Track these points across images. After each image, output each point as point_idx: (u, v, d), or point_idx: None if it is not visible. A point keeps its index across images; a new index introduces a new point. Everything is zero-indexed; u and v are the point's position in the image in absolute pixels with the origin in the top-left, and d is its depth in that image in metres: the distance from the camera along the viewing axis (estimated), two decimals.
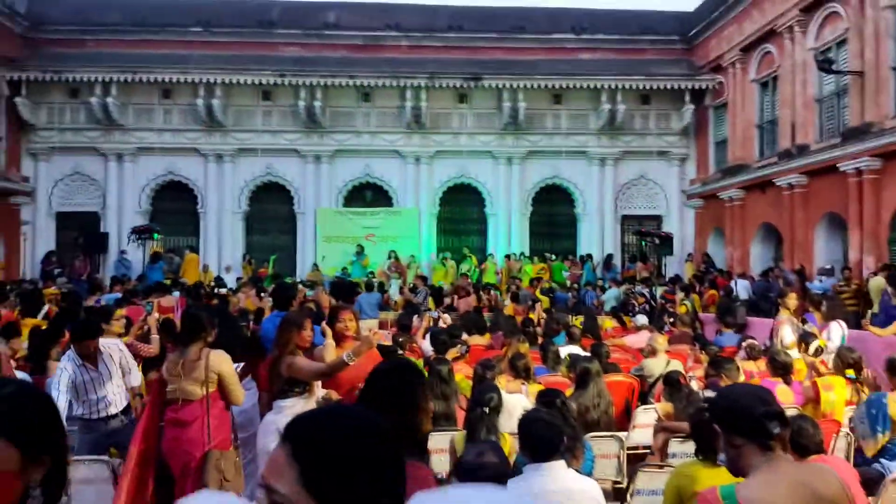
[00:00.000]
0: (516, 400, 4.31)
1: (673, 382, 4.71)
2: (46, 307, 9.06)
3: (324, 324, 4.06)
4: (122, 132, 17.33)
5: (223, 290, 11.86)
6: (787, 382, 4.93)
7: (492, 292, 13.62)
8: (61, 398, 3.85)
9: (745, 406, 1.66)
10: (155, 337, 5.63)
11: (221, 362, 3.63)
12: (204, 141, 17.58)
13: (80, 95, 16.94)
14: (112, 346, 4.35)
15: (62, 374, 4.00)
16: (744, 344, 6.53)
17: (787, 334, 6.77)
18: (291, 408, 3.69)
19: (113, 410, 4.20)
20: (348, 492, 0.78)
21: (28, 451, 0.94)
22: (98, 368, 4.18)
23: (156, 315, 6.08)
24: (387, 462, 0.83)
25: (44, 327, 6.33)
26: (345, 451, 0.81)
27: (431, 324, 8.31)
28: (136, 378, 4.56)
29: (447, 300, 13.24)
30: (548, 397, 3.60)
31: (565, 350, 6.27)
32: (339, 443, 0.81)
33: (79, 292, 11.25)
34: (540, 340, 7.31)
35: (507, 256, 17.23)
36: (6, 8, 15.74)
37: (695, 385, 5.03)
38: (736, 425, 1.66)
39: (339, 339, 4.15)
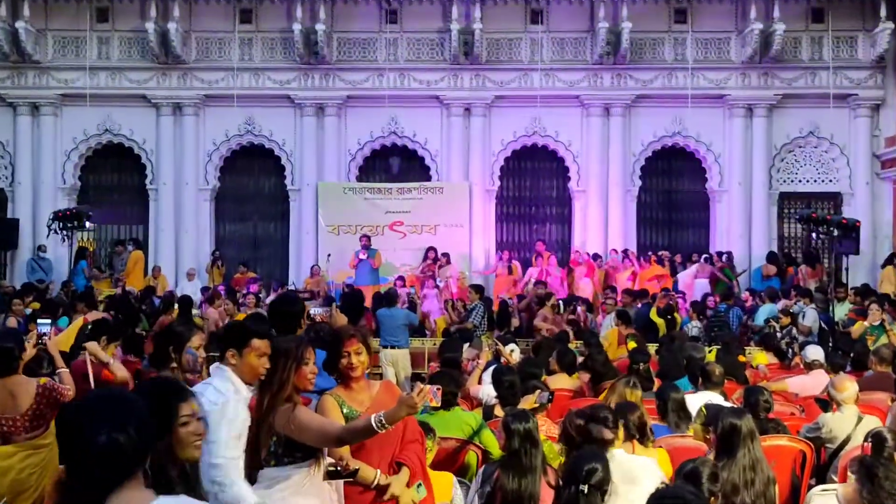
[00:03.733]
0: (641, 467, 4.36)
1: (877, 450, 4.60)
2: None
3: None
4: (37, 72, 17.81)
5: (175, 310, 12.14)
6: None
7: (578, 309, 13.76)
8: None
9: None
10: (63, 371, 5.81)
11: None
12: (155, 85, 18.05)
13: None
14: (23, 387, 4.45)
15: None
16: None
17: None
18: (286, 481, 3.78)
19: None
20: None
21: None
22: None
23: (54, 338, 6.31)
24: None
25: None
26: None
27: (491, 357, 8.41)
28: None
29: (514, 321, 13.28)
30: (690, 471, 3.58)
31: (697, 398, 6.19)
32: None
33: None
34: (655, 383, 7.28)
35: (596, 256, 17.35)
36: None
37: None
38: None
39: (346, 380, 4.22)
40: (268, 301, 14.77)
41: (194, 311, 12.75)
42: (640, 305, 13.77)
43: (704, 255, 17.21)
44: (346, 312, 7.77)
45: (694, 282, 16.52)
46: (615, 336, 11.50)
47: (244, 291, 15.19)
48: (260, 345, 3.85)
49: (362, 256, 16.18)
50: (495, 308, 14.03)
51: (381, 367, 11.45)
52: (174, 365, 4.64)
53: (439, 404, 3.93)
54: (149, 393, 2.76)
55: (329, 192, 18.10)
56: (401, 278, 16.18)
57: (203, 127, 18.30)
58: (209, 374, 3.84)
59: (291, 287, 16.66)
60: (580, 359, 8.32)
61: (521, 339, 12.31)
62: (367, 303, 13.27)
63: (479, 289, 13.94)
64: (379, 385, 4.35)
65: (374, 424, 3.66)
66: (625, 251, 17.26)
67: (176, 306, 12.26)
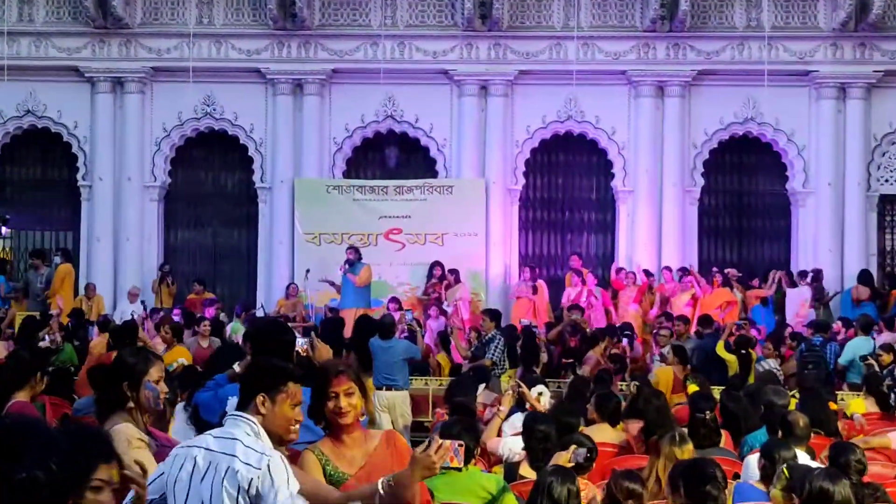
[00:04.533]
0: None
1: None
2: None
3: None
4: None
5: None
6: None
7: (624, 342, 13.80)
8: None
9: None
10: None
11: None
12: (91, 55, 18.12)
13: None
14: None
15: None
16: None
17: None
18: None
19: None
20: None
21: None
22: None
23: None
24: None
25: None
26: None
27: (514, 403, 8.40)
28: None
29: (542, 356, 13.29)
30: None
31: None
32: None
33: None
34: (724, 437, 7.32)
35: (646, 274, 17.38)
36: None
37: None
38: None
39: (336, 430, 4.23)
40: (232, 329, 15.05)
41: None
42: (700, 337, 13.84)
43: (809, 272, 17.18)
44: (330, 342, 7.83)
45: (805, 306, 16.53)
46: (669, 377, 11.43)
47: (198, 315, 15.18)
48: (295, 390, 3.86)
49: (339, 272, 16.30)
50: (517, 339, 13.97)
51: (374, 414, 11.44)
52: (131, 405, 4.65)
53: (461, 465, 3.93)
54: (68, 440, 2.72)
55: (309, 192, 18.14)
56: (394, 300, 16.21)
57: (150, 108, 18.32)
58: (172, 415, 3.84)
59: (260, 311, 16.72)
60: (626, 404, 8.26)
61: (552, 379, 12.45)
62: (347, 331, 13.30)
63: (495, 315, 13.86)
64: (379, 438, 4.33)
65: (380, 488, 3.67)
66: (683, 269, 17.20)
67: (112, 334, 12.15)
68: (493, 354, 12.91)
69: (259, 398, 3.81)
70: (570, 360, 13.77)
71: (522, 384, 8.63)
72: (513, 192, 18.45)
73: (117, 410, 4.64)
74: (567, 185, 18.98)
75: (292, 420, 3.86)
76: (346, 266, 16.08)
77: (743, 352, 12.86)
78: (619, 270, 17.53)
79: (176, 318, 14.23)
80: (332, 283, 16.71)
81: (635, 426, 7.67)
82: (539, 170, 18.82)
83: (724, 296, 16.54)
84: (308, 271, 17.22)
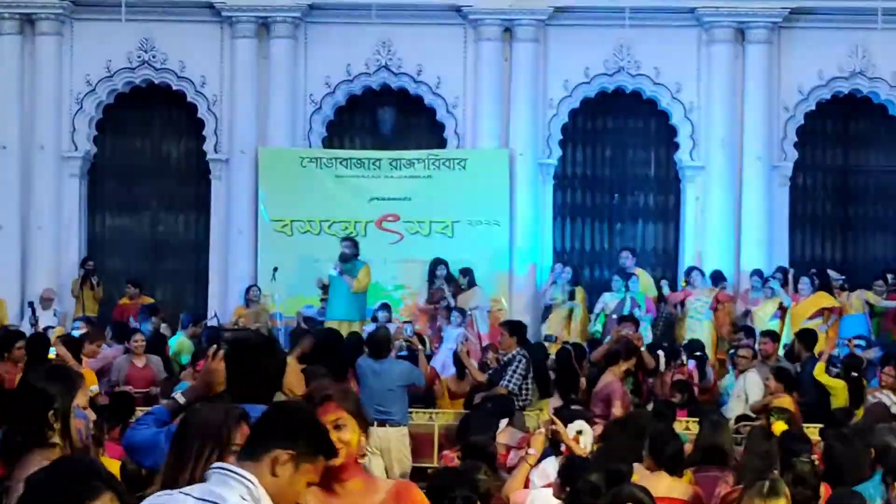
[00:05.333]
0: None
1: None
2: None
3: None
4: None
5: None
6: None
7: (690, 365, 13.94)
8: None
9: None
10: None
11: None
12: None
13: None
14: None
15: None
16: None
17: None
18: None
19: None
20: None
21: None
22: None
23: None
24: None
25: None
26: None
27: (546, 444, 8.27)
28: None
29: (582, 382, 13.22)
30: None
31: None
32: None
33: None
34: (823, 491, 7.18)
35: (718, 277, 17.32)
36: None
37: None
38: None
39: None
40: (177, 347, 15.12)
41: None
42: (796, 358, 13.81)
43: None
44: (317, 361, 8.13)
45: None
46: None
47: (132, 327, 15.14)
48: (322, 466, 3.77)
49: (334, 271, 16.24)
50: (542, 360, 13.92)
51: (365, 456, 11.37)
52: (56, 441, 4.55)
53: None
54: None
55: (278, 166, 18.25)
56: (385, 307, 16.22)
57: (70, 55, 18.33)
58: (98, 448, 3.77)
59: (213, 321, 16.71)
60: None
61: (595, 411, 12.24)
62: None
63: (516, 328, 13.60)
64: (385, 491, 4.28)
65: None
66: (776, 272, 17.16)
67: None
68: (509, 381, 12.68)
69: (280, 454, 3.60)
70: None
71: (557, 420, 8.55)
72: (546, 167, 18.47)
73: (35, 448, 4.55)
74: (617, 160, 19.05)
75: (300, 499, 3.73)
76: (341, 265, 16.12)
77: (853, 375, 12.75)
78: (688, 272, 17.48)
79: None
80: (326, 288, 16.81)
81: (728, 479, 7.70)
82: (580, 139, 18.90)
83: (822, 301, 16.54)
84: (276, 270, 17.29)
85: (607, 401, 11.73)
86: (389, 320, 15.52)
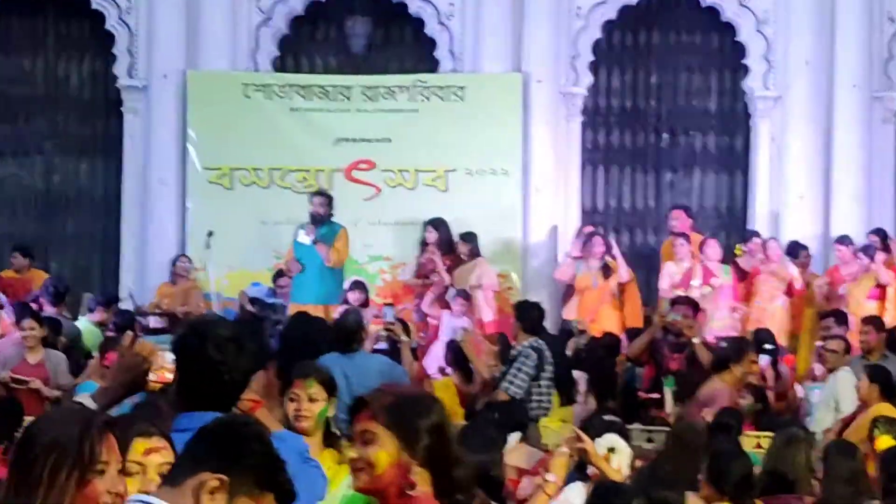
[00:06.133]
0: None
1: None
2: None
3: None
4: None
5: None
6: None
7: (763, 361, 13.87)
8: None
9: None
10: None
11: None
12: None
13: None
14: None
15: None
16: None
17: None
18: None
19: None
20: None
21: None
22: None
23: None
24: None
25: None
26: None
27: (570, 466, 8.23)
28: None
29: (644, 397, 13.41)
30: None
31: None
32: None
33: None
34: None
35: (796, 247, 17.57)
36: None
37: None
38: None
39: None
40: (82, 334, 15.30)
41: None
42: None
43: None
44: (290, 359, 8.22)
45: None
46: (863, 428, 11.10)
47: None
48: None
49: (305, 238, 16.39)
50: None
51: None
52: None
53: None
54: None
55: (213, 95, 18.51)
56: (358, 286, 16.23)
57: None
58: None
59: (129, 301, 16.87)
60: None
61: (637, 425, 12.35)
62: None
63: (530, 312, 13.76)
64: None
65: None
66: (871, 237, 17.14)
67: None
68: (510, 383, 12.84)
69: (207, 480, 3.59)
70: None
71: (583, 434, 8.38)
72: (571, 97, 18.59)
73: None
74: (665, 88, 19.02)
75: None
76: (315, 229, 16.26)
77: None
78: (754, 241, 17.37)
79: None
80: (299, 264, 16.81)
81: None
82: (618, 60, 18.99)
83: None
84: (211, 235, 17.48)
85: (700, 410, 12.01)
86: (365, 304, 15.53)
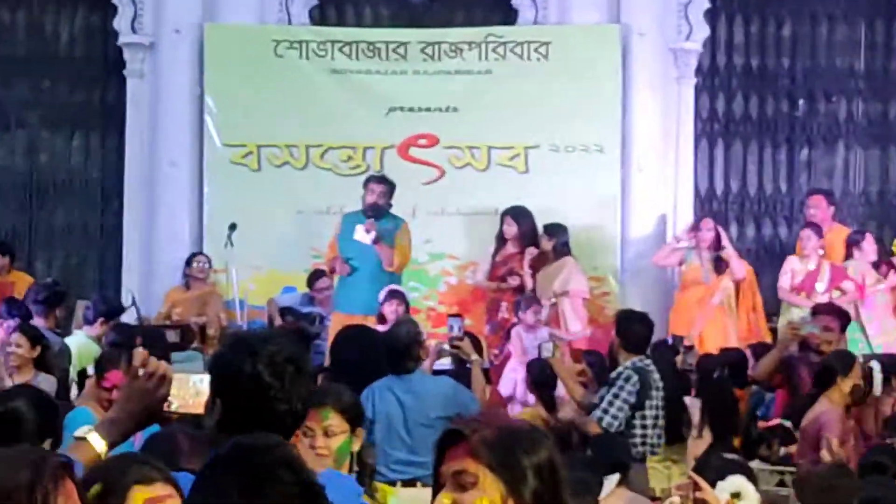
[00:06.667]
0: None
1: None
2: None
3: None
4: None
5: None
6: None
7: None
8: None
9: None
10: None
11: None
12: None
13: None
14: None
15: None
16: None
17: None
18: None
19: None
20: None
21: None
22: None
23: None
24: None
25: None
26: None
27: None
28: None
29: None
30: None
31: None
32: None
33: None
34: None
35: None
36: None
37: None
38: None
39: None
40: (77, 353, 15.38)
41: None
42: None
43: None
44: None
45: None
46: None
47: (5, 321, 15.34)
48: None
49: (365, 235, 16.49)
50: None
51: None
52: None
53: None
54: None
55: (236, 55, 18.64)
56: (395, 294, 15.94)
57: None
58: None
59: (130, 307, 16.96)
60: None
61: (766, 464, 12.36)
62: None
63: (632, 325, 13.43)
64: None
65: None
66: None
67: None
68: (605, 412, 12.57)
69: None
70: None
71: (698, 478, 7.97)
72: (683, 55, 18.66)
73: None
74: (801, 42, 18.80)
75: None
76: (375, 224, 16.33)
77: None
78: None
79: None
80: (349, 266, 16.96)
81: None
82: (741, 7, 18.86)
83: None
84: (233, 229, 17.49)
85: (815, 441, 11.61)
86: (399, 310, 15.31)
